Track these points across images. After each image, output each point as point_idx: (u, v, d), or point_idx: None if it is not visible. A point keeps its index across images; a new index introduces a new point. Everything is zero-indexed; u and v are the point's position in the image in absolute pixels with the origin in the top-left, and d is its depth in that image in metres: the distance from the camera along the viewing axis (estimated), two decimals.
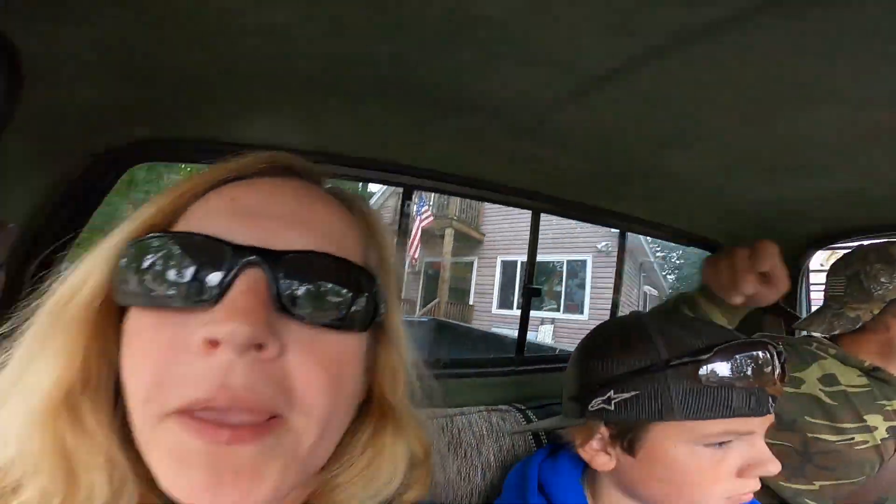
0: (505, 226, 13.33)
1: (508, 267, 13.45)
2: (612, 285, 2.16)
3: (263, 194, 0.46)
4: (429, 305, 13.07)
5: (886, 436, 1.24)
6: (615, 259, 2.10)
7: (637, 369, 0.71)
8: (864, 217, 1.59)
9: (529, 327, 1.57)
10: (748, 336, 0.75)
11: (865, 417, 1.24)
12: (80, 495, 0.37)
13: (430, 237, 13.48)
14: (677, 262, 20.69)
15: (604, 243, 11.62)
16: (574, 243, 12.07)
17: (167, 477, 0.37)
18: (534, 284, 1.59)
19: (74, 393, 0.39)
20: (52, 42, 0.61)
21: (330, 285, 0.43)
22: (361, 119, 0.97)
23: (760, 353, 0.69)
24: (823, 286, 1.43)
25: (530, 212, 1.49)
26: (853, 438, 1.23)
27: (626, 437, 0.72)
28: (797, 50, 0.68)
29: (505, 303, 13.24)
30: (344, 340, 0.44)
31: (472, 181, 1.24)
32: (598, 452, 0.76)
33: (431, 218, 12.72)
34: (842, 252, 1.43)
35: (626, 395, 0.70)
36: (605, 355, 0.76)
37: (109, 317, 0.42)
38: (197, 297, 0.39)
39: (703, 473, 0.68)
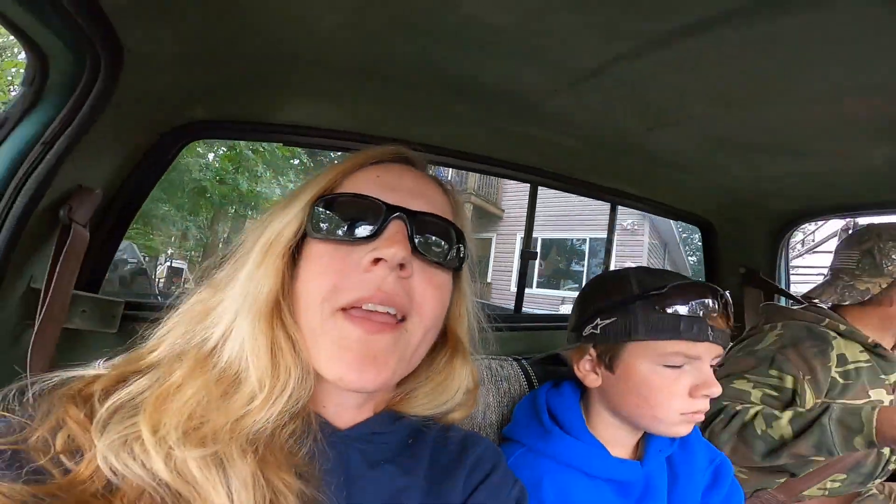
0: (525, 201, 12.45)
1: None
2: (636, 265, 2.30)
3: (396, 175, 0.67)
4: None
5: None
6: (641, 237, 2.23)
7: (616, 301, 0.91)
8: (837, 197, 1.73)
9: (550, 307, 1.71)
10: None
11: (871, 392, 1.34)
12: (281, 380, 0.56)
13: None
14: (699, 243, 20.57)
15: (629, 221, 11.36)
16: (597, 219, 11.45)
17: (329, 359, 0.57)
18: (542, 259, 1.74)
19: (279, 300, 0.59)
20: (147, 37, 0.76)
21: (439, 235, 0.65)
22: (385, 102, 1.12)
23: (706, 293, 0.87)
24: (832, 258, 1.56)
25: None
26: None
27: (608, 356, 0.91)
28: (767, 49, 0.81)
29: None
30: (443, 275, 0.66)
31: (480, 157, 1.39)
32: (588, 372, 0.95)
33: None
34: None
35: (608, 321, 0.91)
36: (596, 293, 0.98)
37: (293, 249, 0.62)
38: (362, 235, 0.60)
39: (663, 390, 0.86)
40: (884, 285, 1.40)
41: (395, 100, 1.10)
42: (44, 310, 0.83)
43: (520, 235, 12.93)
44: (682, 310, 0.85)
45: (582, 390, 1.01)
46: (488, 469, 0.71)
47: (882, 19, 0.70)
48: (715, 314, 0.87)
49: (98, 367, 0.60)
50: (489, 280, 13.41)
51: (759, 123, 1.13)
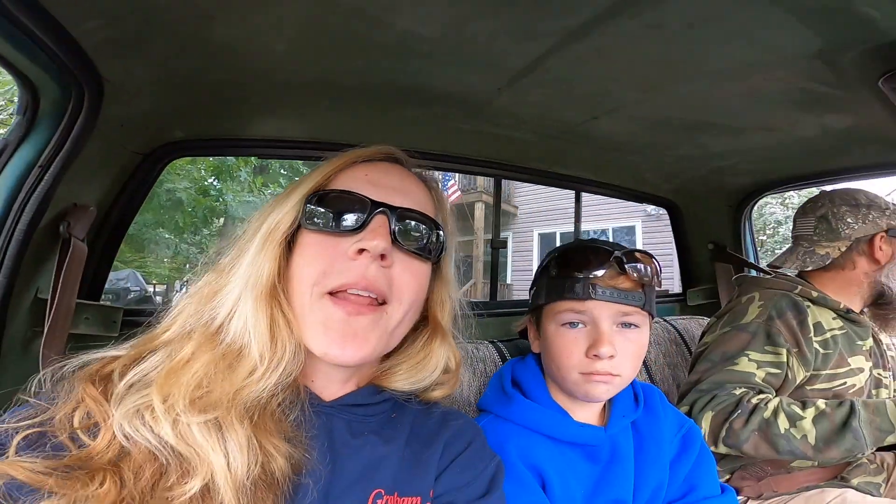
0: (541, 195, 12.65)
1: (547, 240, 12.71)
2: (661, 251, 2.38)
3: (382, 172, 0.76)
4: (464, 287, 12.09)
5: (868, 375, 1.37)
6: (666, 222, 2.30)
7: (537, 274, 1.03)
8: (786, 169, 1.83)
9: None
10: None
11: (850, 360, 1.36)
12: (277, 354, 0.64)
13: (461, 216, 12.15)
14: None
15: (652, 207, 10.59)
16: (621, 209, 11.40)
17: (316, 336, 0.66)
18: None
19: (276, 283, 0.68)
20: (123, 68, 0.88)
21: (418, 229, 0.73)
22: (347, 113, 1.24)
23: (591, 255, 0.93)
24: (792, 227, 1.59)
25: None
26: (845, 383, 1.34)
27: (536, 322, 1.02)
28: (665, 34, 0.90)
29: None
30: (421, 264, 0.74)
31: (440, 156, 1.51)
32: (533, 339, 1.04)
33: (459, 193, 11.98)
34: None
35: (532, 290, 1.03)
36: (538, 272, 1.06)
37: (289, 238, 0.70)
38: (348, 227, 0.69)
39: (564, 349, 0.92)
40: (843, 248, 1.43)
41: (352, 109, 1.21)
42: (51, 317, 0.94)
43: (537, 231, 12.87)
44: (571, 272, 0.93)
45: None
46: (465, 443, 0.77)
47: (753, 1, 0.80)
48: (601, 274, 0.91)
49: (118, 349, 0.67)
50: (508, 281, 12.83)
51: (683, 103, 1.23)
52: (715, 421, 1.23)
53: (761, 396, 1.25)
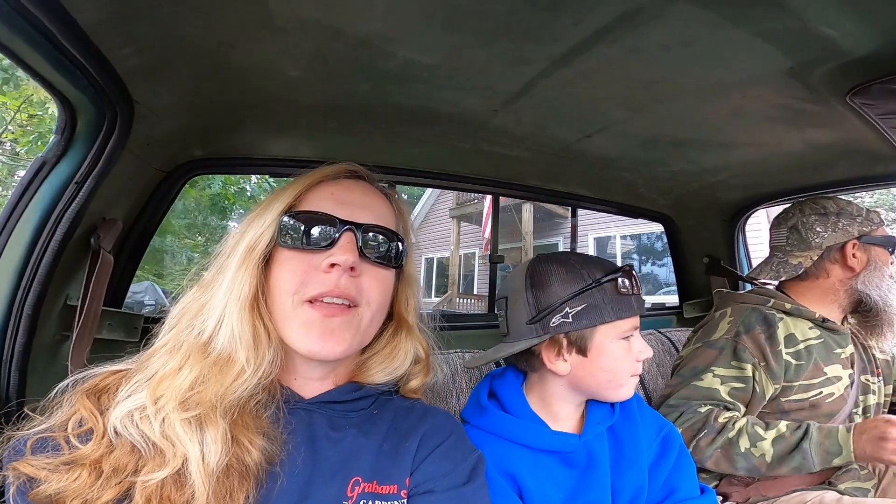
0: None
1: (604, 244, 12.13)
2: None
3: (346, 190, 0.84)
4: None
5: (848, 382, 1.38)
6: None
7: (580, 289, 0.97)
8: (776, 183, 1.88)
9: None
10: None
11: (826, 370, 1.36)
12: (260, 357, 0.73)
13: (506, 221, 11.23)
14: None
15: None
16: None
17: (299, 337, 0.75)
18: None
19: (258, 295, 0.77)
20: (152, 92, 0.97)
21: (382, 241, 0.83)
22: (354, 134, 1.33)
23: (632, 273, 1.00)
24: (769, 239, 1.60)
25: None
26: (821, 392, 1.35)
27: (580, 342, 0.98)
28: (643, 57, 0.97)
29: None
30: (386, 272, 0.84)
31: (441, 175, 1.60)
32: (557, 361, 0.99)
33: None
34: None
35: (578, 308, 0.96)
36: (553, 284, 0.99)
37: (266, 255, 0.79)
38: (320, 244, 0.77)
39: (622, 360, 0.99)
40: (814, 258, 1.44)
41: (359, 129, 1.30)
42: (80, 323, 1.02)
43: (592, 235, 12.24)
44: (632, 290, 0.99)
45: (524, 375, 1.08)
46: (445, 435, 0.84)
47: (719, 24, 0.86)
48: (638, 290, 1.02)
49: (120, 364, 0.77)
50: None
51: (670, 121, 1.30)
52: (683, 437, 1.22)
53: (728, 415, 1.29)
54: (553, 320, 0.97)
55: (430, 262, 16.40)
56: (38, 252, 0.94)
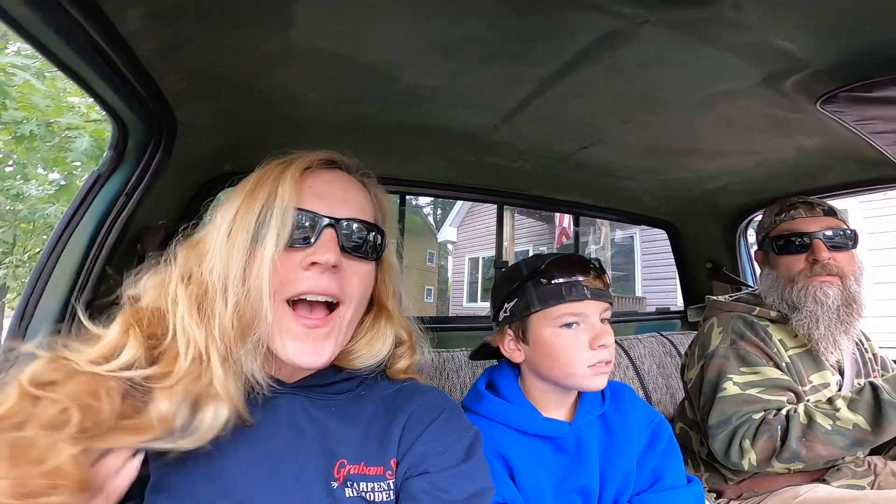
0: None
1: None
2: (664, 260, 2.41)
3: (325, 183, 0.80)
4: None
5: (836, 389, 1.37)
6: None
7: (514, 285, 1.07)
8: (773, 189, 1.93)
9: None
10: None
11: (812, 378, 1.37)
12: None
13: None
14: None
15: None
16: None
17: (282, 347, 0.74)
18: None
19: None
20: (192, 112, 1.11)
21: (363, 235, 0.80)
22: (368, 149, 1.44)
23: (576, 262, 1.04)
24: None
25: None
26: (808, 401, 1.31)
27: (521, 331, 1.06)
28: (629, 73, 1.06)
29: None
30: (367, 265, 0.82)
31: (449, 186, 1.73)
32: (513, 350, 1.08)
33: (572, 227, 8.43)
34: None
35: (512, 303, 1.07)
36: (501, 284, 1.12)
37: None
38: (301, 242, 0.75)
39: (566, 347, 1.00)
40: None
41: (372, 145, 1.43)
42: None
43: (638, 231, 10.90)
44: (561, 279, 1.02)
45: (519, 367, 1.14)
46: (437, 412, 0.83)
47: (688, 43, 0.95)
48: (587, 277, 1.03)
49: None
50: (639, 294, 10.63)
51: (664, 132, 1.38)
52: (765, 449, 1.24)
53: (782, 409, 1.28)
54: (500, 315, 1.09)
55: (474, 262, 15.02)
56: (92, 256, 1.07)
